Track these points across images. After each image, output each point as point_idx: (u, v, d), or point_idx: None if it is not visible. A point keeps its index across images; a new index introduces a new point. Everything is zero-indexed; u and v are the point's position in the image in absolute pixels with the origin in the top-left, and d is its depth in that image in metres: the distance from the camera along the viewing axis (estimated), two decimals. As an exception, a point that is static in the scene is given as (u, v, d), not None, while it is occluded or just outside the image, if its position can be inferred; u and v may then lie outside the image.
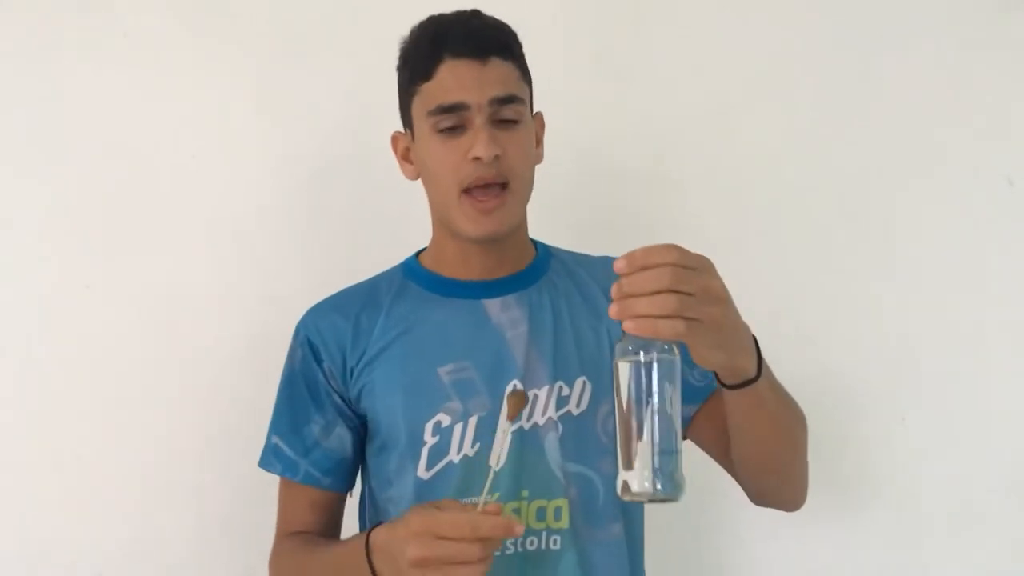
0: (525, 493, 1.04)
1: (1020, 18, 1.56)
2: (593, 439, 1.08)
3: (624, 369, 0.78)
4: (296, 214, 1.51)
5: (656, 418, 0.77)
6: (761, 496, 1.11)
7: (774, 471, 1.05)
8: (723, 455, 1.10)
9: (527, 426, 1.06)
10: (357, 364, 1.08)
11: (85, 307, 1.45)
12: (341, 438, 1.10)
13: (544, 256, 1.17)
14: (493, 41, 1.06)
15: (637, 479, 0.77)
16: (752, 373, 0.89)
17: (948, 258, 1.58)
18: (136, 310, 1.46)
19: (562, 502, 1.05)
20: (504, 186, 1.05)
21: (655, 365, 0.77)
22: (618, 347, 0.79)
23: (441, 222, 1.11)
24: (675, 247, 0.77)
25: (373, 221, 1.49)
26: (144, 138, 1.48)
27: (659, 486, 0.77)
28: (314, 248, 1.49)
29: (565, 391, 1.08)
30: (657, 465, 0.76)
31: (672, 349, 0.78)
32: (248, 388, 1.37)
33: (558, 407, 1.07)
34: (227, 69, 1.51)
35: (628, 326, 0.75)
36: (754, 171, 1.58)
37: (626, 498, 0.78)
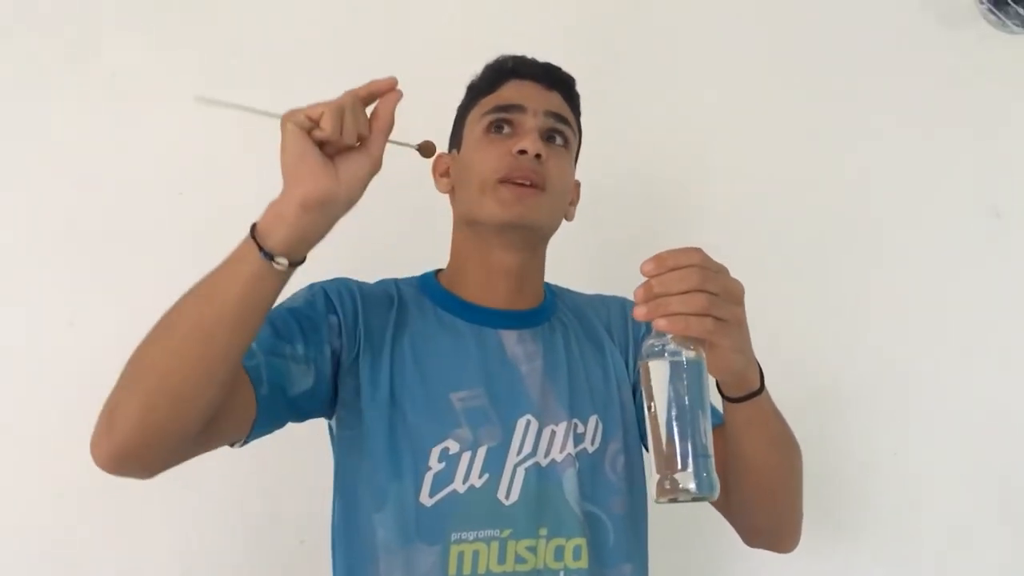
0: (543, 531, 1.00)
1: (1006, 50, 1.61)
2: (603, 478, 1.06)
3: (658, 369, 0.78)
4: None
5: (697, 417, 0.76)
6: (756, 533, 1.09)
7: (771, 502, 1.03)
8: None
9: (544, 462, 1.03)
10: (361, 348, 1.02)
11: (69, 345, 1.41)
12: (302, 378, 0.97)
13: (551, 295, 1.17)
14: (560, 80, 1.13)
15: (680, 479, 0.76)
16: (757, 384, 0.90)
17: (937, 288, 1.61)
18: (122, 348, 1.41)
19: (581, 541, 1.01)
20: (540, 188, 1.06)
21: (689, 365, 0.77)
22: (645, 348, 0.79)
23: (468, 226, 1.10)
24: (699, 249, 0.80)
25: (366, 256, 1.47)
26: (132, 174, 1.48)
27: (700, 486, 0.76)
28: (305, 282, 1.46)
29: (580, 428, 1.06)
30: (698, 465, 0.76)
31: (700, 350, 0.78)
32: None
33: (575, 443, 1.05)
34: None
35: (661, 324, 0.76)
36: (738, 217, 1.60)
37: (663, 500, 0.77)
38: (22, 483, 1.38)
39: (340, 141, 0.82)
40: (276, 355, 0.95)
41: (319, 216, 0.83)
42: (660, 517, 1.10)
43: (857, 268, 1.61)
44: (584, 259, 1.48)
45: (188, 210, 1.48)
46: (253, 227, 0.83)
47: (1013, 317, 1.61)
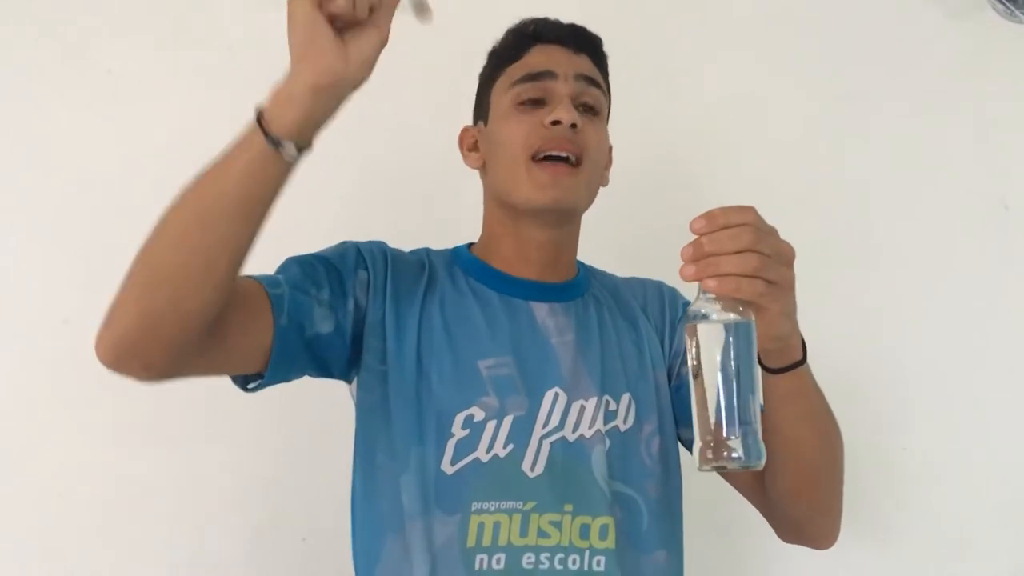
0: (568, 507, 0.96)
1: (1014, 40, 1.60)
2: (638, 459, 1.02)
3: (706, 332, 0.74)
4: (283, 247, 1.45)
5: (745, 383, 0.73)
6: (793, 526, 1.05)
7: (812, 487, 0.98)
8: (754, 479, 1.04)
9: (572, 437, 0.99)
10: (387, 308, 1.00)
11: (64, 342, 1.37)
12: (322, 321, 0.95)
13: (585, 273, 1.15)
14: (587, 41, 1.10)
15: (727, 446, 0.72)
16: (800, 354, 0.87)
17: (944, 282, 1.59)
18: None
19: (608, 520, 0.97)
20: (577, 163, 1.03)
21: (739, 328, 0.74)
22: (691, 310, 0.75)
23: (500, 204, 1.08)
24: (752, 208, 0.76)
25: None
26: (127, 170, 1.45)
27: (748, 454, 0.72)
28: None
29: (612, 405, 1.03)
30: (745, 432, 0.72)
31: (749, 313, 0.75)
32: (238, 425, 1.35)
33: (606, 421, 1.02)
34: (210, 102, 1.48)
35: (711, 285, 0.73)
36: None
37: (707, 468, 0.73)
38: (20, 482, 1.35)
39: (353, 15, 0.77)
40: (301, 291, 0.93)
41: (330, 99, 0.79)
42: (692, 507, 1.08)
43: (862, 261, 1.59)
44: (602, 246, 1.47)
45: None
46: (259, 113, 0.78)
47: (1022, 312, 1.59)
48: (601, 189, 1.12)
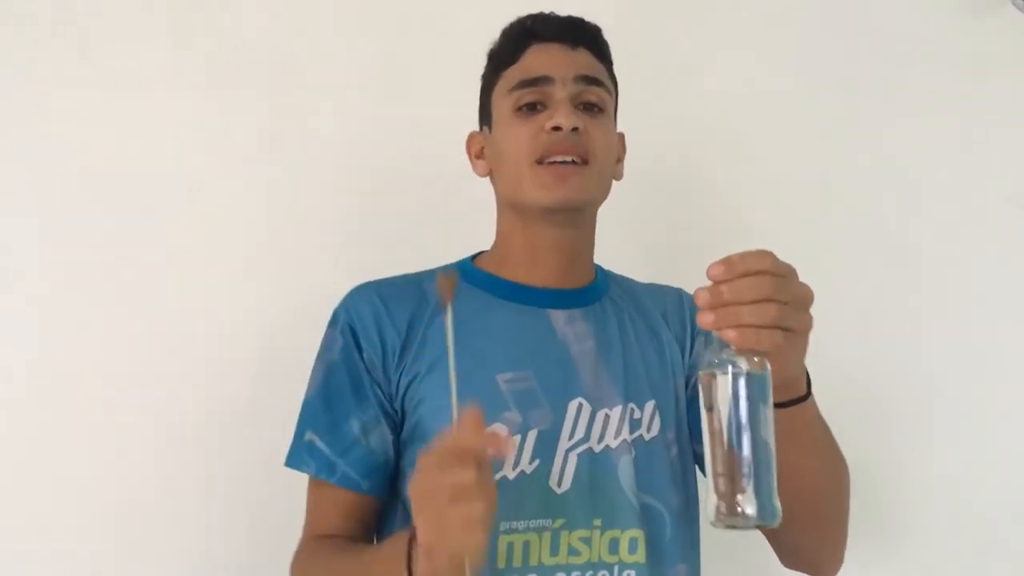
0: (597, 522, 0.96)
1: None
2: (661, 469, 1.01)
3: (722, 383, 0.72)
4: (299, 247, 1.45)
5: (761, 437, 0.72)
6: (795, 553, 1.04)
7: (814, 518, 0.97)
8: None
9: (598, 449, 0.98)
10: (403, 355, 0.99)
11: (80, 342, 1.38)
12: (383, 438, 0.98)
13: (603, 276, 1.12)
14: (584, 33, 1.06)
15: (740, 504, 0.71)
16: (804, 389, 0.86)
17: (961, 283, 1.57)
18: (131, 345, 1.39)
19: (637, 533, 0.97)
20: (583, 162, 1.01)
21: (756, 380, 0.72)
22: (707, 359, 0.74)
23: (511, 208, 1.06)
24: (769, 253, 0.74)
25: (381, 252, 1.43)
26: (143, 169, 1.43)
27: (762, 512, 0.71)
28: (319, 284, 1.42)
29: (637, 414, 1.02)
30: (760, 489, 0.71)
31: (766, 362, 0.73)
32: (246, 428, 1.34)
33: (631, 430, 1.00)
34: (211, 101, 1.47)
35: (731, 336, 0.72)
36: (763, 208, 1.55)
37: (720, 525, 0.72)
38: (20, 482, 1.34)
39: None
40: (349, 447, 0.98)
41: None
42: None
43: (875, 262, 1.56)
44: (605, 247, 1.46)
45: (200, 205, 1.44)
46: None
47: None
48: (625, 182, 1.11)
